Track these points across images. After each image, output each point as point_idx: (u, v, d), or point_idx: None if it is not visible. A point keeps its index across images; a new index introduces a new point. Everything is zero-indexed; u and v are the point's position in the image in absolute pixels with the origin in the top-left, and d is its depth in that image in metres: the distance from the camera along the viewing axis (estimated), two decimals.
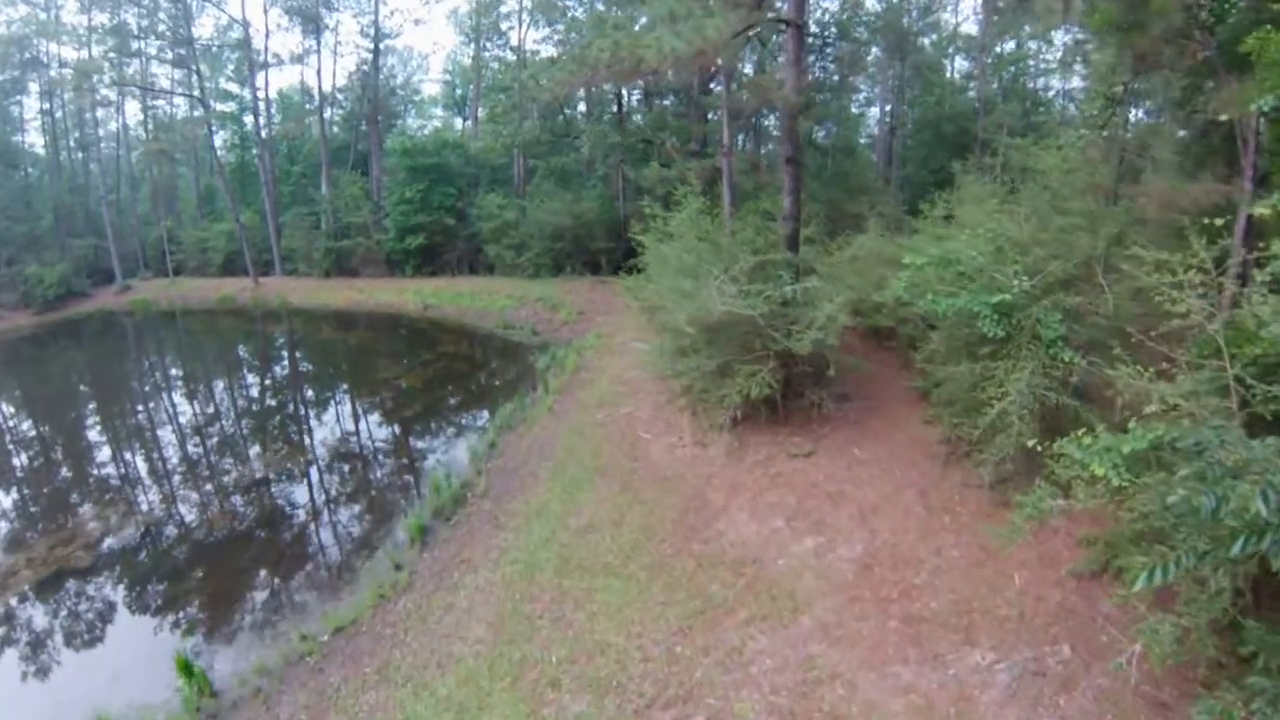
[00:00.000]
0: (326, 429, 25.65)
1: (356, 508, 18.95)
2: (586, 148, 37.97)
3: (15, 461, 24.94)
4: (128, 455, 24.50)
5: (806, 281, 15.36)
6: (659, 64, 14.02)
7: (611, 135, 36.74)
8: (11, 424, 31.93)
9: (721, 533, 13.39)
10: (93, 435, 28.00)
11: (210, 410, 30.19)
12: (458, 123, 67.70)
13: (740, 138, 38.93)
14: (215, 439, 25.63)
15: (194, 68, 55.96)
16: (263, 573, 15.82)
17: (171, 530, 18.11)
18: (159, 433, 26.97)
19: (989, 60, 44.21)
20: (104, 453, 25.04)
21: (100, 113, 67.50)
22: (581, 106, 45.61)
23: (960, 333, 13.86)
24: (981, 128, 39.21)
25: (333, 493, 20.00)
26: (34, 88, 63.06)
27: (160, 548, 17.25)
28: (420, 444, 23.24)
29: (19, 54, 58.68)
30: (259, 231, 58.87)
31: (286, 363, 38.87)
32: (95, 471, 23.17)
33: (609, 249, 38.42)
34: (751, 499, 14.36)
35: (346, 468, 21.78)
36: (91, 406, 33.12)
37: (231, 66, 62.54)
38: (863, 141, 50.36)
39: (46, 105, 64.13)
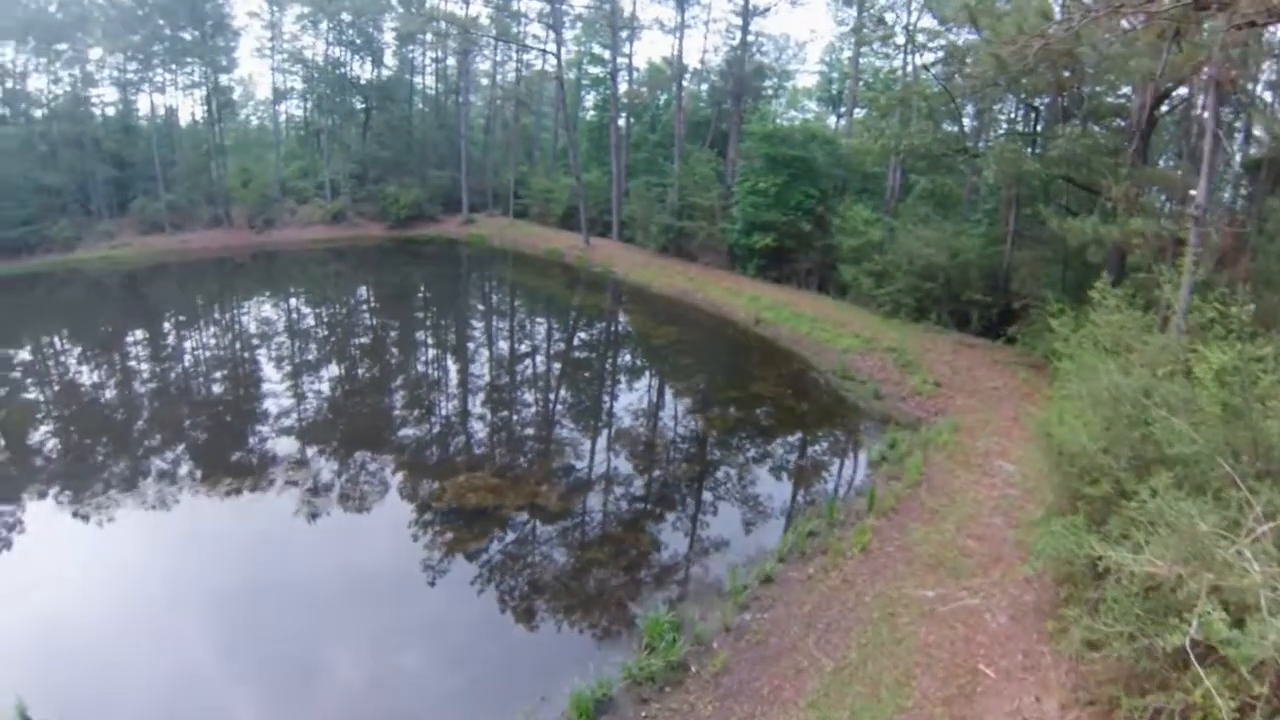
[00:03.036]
0: (567, 459, 21.69)
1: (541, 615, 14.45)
2: (991, 171, 29.08)
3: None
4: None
5: None
6: None
7: (1025, 161, 28.10)
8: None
9: None
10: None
11: (462, 401, 27.76)
12: (831, 121, 61.77)
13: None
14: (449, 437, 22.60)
15: (555, 27, 57.74)
16: None
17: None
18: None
19: None
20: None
21: (485, 65, 75.69)
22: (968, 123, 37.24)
23: None
24: None
25: (511, 584, 15.44)
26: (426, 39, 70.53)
27: None
28: (669, 529, 17.74)
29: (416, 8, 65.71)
30: (604, 192, 57.84)
31: (582, 351, 35.84)
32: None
33: (984, 303, 30.50)
34: None
35: (560, 534, 17.33)
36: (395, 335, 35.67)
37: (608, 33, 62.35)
38: None
39: (435, 54, 73.54)
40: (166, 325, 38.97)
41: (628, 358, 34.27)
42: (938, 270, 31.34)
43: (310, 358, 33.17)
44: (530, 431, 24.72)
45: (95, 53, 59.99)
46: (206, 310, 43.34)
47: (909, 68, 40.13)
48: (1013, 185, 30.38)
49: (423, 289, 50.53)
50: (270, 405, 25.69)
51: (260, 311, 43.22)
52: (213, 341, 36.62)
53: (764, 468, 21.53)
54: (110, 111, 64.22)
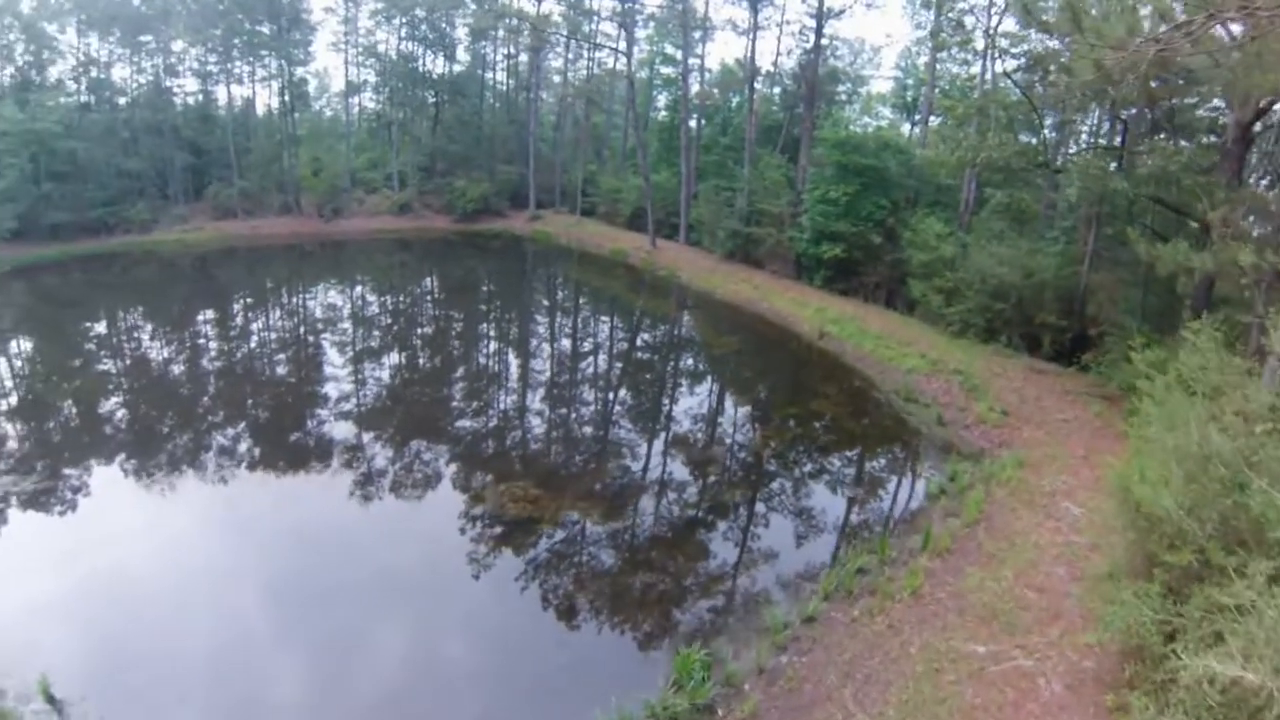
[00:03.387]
0: (612, 469, 21.11)
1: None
2: (1074, 189, 26.62)
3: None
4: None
5: None
6: None
7: (1112, 179, 25.58)
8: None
9: None
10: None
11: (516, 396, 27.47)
12: (905, 128, 60.19)
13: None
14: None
15: (626, 26, 58.29)
16: None
17: None
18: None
19: None
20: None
21: (557, 62, 76.75)
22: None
23: None
24: None
25: (542, 601, 14.73)
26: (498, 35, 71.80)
27: None
28: (713, 551, 16.92)
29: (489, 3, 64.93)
30: (673, 194, 57.17)
31: (641, 357, 35.12)
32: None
33: (1057, 327, 28.73)
34: None
35: (599, 550, 16.64)
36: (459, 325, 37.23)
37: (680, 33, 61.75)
38: None
39: (508, 50, 75.56)
40: (232, 307, 40.71)
41: (686, 367, 33.56)
42: (1010, 290, 29.80)
43: (370, 346, 34.05)
44: (580, 436, 24.35)
45: (177, 44, 62.19)
46: (273, 294, 45.10)
47: (988, 74, 38.57)
48: (1095, 204, 28.61)
49: (485, 283, 51.04)
50: (326, 390, 27.11)
51: (325, 298, 44.54)
52: (277, 324, 38.35)
53: (817, 491, 20.51)
54: (190, 101, 66.18)
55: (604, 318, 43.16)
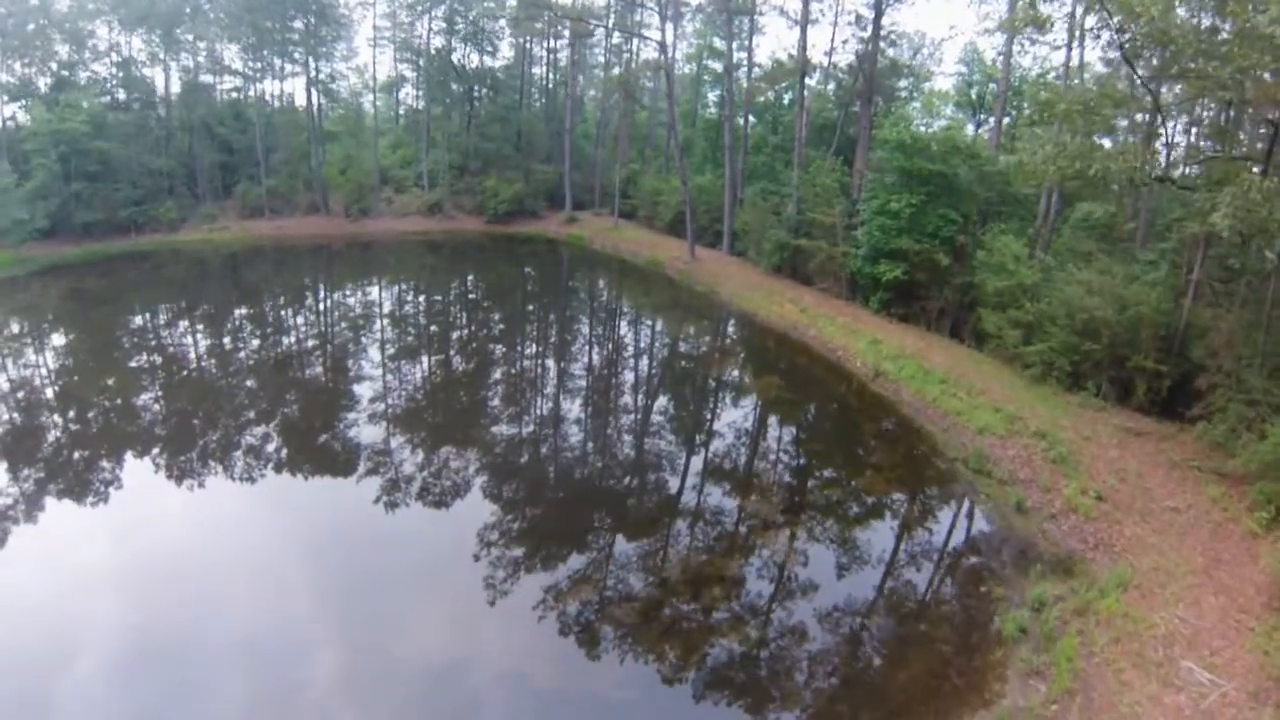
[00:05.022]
0: (585, 572, 16.44)
1: None
2: (1222, 215, 18.77)
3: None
4: None
5: None
6: None
7: (1276, 205, 17.49)
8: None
9: None
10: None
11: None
12: (969, 129, 54.60)
13: None
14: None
15: (666, 16, 55.58)
16: None
17: None
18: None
19: None
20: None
21: (603, 57, 74.95)
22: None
23: None
24: None
25: None
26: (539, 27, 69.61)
27: None
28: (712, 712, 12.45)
29: None
30: (717, 197, 53.10)
31: (660, 404, 29.96)
32: None
33: (1154, 371, 23.73)
34: None
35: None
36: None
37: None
38: None
39: (550, 44, 73.49)
40: (261, 308, 41.19)
41: (714, 417, 28.30)
42: (1101, 326, 24.76)
43: (376, 357, 33.32)
44: (562, 520, 19.48)
45: (208, 43, 61.50)
46: (298, 298, 44.59)
47: (1073, 63, 33.39)
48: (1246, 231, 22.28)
49: (511, 295, 47.54)
50: (341, 397, 27.21)
51: (346, 304, 43.51)
52: (301, 327, 38.42)
53: (849, 628, 15.26)
54: (221, 99, 65.10)
55: (629, 345, 38.87)
